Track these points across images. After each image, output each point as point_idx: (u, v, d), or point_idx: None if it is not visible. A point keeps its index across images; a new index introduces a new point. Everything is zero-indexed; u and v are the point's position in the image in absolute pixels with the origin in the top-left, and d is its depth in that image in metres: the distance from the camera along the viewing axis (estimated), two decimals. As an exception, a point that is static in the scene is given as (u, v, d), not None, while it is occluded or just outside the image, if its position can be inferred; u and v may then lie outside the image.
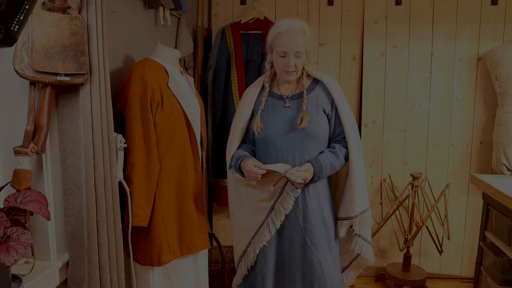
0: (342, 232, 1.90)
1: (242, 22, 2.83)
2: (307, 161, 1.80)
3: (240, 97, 2.72)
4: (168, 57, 1.99)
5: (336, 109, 1.84)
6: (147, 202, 1.85)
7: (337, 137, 1.89)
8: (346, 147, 1.84)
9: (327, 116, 1.85)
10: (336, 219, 1.93)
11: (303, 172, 1.74)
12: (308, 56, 1.84)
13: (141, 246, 1.91)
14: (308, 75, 1.89)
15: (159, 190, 1.89)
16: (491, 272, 2.32)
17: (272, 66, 1.88)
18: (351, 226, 1.91)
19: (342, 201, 1.91)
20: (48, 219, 1.20)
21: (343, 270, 2.06)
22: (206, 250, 2.15)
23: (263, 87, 1.91)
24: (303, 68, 1.85)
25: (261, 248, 1.88)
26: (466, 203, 2.95)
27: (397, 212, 2.86)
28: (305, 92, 1.82)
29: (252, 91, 1.91)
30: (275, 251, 1.89)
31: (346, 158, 1.85)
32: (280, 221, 1.83)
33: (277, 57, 1.78)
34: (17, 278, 1.21)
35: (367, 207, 1.91)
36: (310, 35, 1.79)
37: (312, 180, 1.78)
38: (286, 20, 1.80)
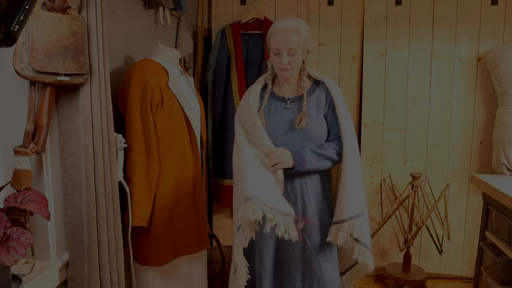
0: (330, 236, 1.79)
1: (242, 22, 2.83)
2: None
3: (240, 97, 2.71)
4: (168, 57, 2.00)
5: (333, 108, 1.83)
6: (147, 202, 1.85)
7: (331, 137, 1.87)
8: (338, 145, 1.81)
9: (324, 115, 1.85)
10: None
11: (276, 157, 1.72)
12: (307, 55, 1.84)
13: (141, 246, 1.91)
14: (309, 77, 1.89)
15: (159, 190, 1.89)
16: (491, 272, 2.32)
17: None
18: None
19: (336, 204, 1.83)
20: (48, 219, 1.20)
21: (344, 272, 2.04)
22: (206, 250, 2.15)
23: (265, 85, 1.91)
24: (303, 69, 1.85)
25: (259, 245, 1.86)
26: (466, 203, 2.95)
27: (397, 212, 2.86)
28: (305, 94, 1.83)
29: (255, 90, 1.90)
30: (273, 252, 1.88)
31: (339, 155, 1.81)
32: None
33: (272, 55, 1.80)
34: (17, 278, 1.21)
35: (360, 212, 1.79)
36: (306, 34, 1.78)
37: (295, 165, 1.73)
38: (283, 19, 1.82)
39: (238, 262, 1.70)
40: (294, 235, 1.58)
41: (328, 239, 1.80)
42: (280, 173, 1.74)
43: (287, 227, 1.58)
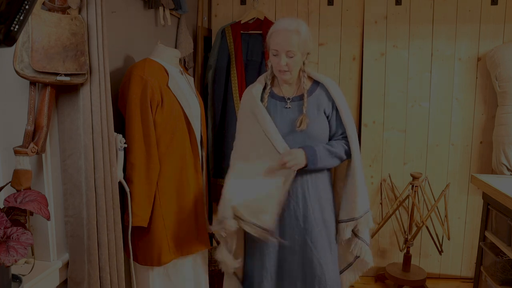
0: (348, 233, 1.87)
1: (242, 22, 2.83)
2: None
3: (240, 97, 2.71)
4: (168, 57, 1.99)
5: (337, 110, 1.84)
6: (147, 202, 1.85)
7: (338, 136, 1.88)
8: (346, 145, 1.84)
9: (327, 117, 1.85)
10: (338, 221, 1.92)
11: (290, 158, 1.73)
12: (307, 57, 1.84)
13: (141, 246, 1.91)
14: (309, 77, 1.89)
15: (159, 190, 1.89)
16: (491, 272, 2.32)
17: None
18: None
19: (344, 203, 1.89)
20: (48, 219, 1.20)
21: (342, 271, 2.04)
22: (206, 250, 2.15)
23: (265, 85, 1.91)
24: (303, 70, 1.85)
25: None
26: (466, 203, 2.95)
27: (397, 212, 2.86)
28: (305, 95, 1.83)
29: (256, 89, 1.89)
30: (275, 252, 1.88)
31: (347, 154, 1.85)
32: None
33: (271, 55, 1.80)
34: (17, 278, 1.21)
35: (368, 208, 1.90)
36: (306, 36, 1.77)
37: (308, 164, 1.76)
38: (284, 19, 1.81)
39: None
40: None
41: (346, 237, 1.87)
42: (292, 174, 1.76)
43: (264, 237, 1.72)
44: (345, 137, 1.86)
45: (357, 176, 1.84)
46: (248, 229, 1.71)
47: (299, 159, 1.74)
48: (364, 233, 1.91)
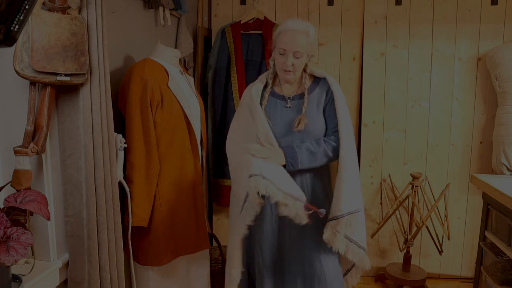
0: (326, 233, 1.76)
1: (242, 22, 2.83)
2: None
3: (240, 96, 2.71)
4: (168, 57, 2.00)
5: (332, 103, 1.83)
6: (147, 202, 1.85)
7: (329, 131, 1.86)
8: (335, 141, 1.80)
9: (323, 110, 1.85)
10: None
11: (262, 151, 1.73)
12: (310, 60, 1.84)
13: (141, 246, 1.91)
14: (310, 75, 1.89)
15: (159, 190, 1.89)
16: (491, 272, 2.32)
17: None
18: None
19: (333, 200, 1.82)
20: (48, 219, 1.20)
21: (346, 272, 2.01)
22: (207, 250, 2.15)
23: (266, 84, 1.91)
24: (305, 70, 1.86)
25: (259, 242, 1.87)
26: (466, 203, 2.95)
27: (397, 212, 2.86)
28: (306, 94, 1.83)
29: (257, 87, 1.89)
30: (274, 250, 1.88)
31: (335, 152, 1.80)
32: None
33: (277, 54, 1.80)
34: (17, 278, 1.21)
35: (358, 208, 1.78)
36: (314, 39, 1.79)
37: (287, 165, 1.75)
38: (293, 20, 1.82)
39: (233, 249, 1.74)
40: (303, 220, 1.61)
41: (324, 236, 1.77)
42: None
43: (298, 211, 1.61)
44: (336, 132, 1.82)
45: (345, 171, 1.76)
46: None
47: (276, 157, 1.73)
48: (357, 235, 1.79)
